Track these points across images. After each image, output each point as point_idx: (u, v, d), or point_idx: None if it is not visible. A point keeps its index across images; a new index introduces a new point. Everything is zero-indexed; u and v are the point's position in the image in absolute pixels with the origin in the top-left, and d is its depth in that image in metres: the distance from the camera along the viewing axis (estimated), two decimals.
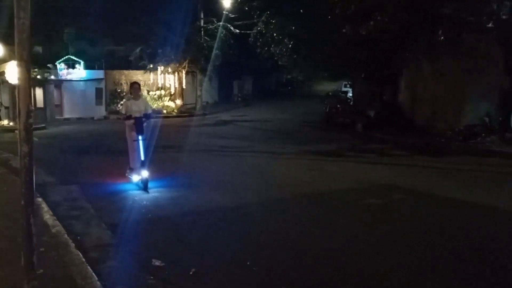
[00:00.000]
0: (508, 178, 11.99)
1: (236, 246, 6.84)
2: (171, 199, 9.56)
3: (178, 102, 35.80)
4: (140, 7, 31.56)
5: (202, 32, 35.38)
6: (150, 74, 35.82)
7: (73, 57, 34.15)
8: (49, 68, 32.41)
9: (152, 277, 5.62)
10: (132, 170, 10.66)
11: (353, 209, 8.93)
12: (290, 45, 24.91)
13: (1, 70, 28.30)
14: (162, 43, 32.78)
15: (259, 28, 27.47)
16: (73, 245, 6.39)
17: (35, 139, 4.08)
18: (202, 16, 35.42)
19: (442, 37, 17.30)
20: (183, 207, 8.95)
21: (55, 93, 33.60)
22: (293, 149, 16.75)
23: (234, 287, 5.51)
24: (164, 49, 33.04)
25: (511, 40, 16.65)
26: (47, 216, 7.73)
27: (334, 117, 25.93)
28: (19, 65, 3.44)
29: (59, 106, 33.87)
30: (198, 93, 37.36)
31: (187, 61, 34.94)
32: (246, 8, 27.37)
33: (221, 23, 34.60)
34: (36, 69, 29.64)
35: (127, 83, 35.87)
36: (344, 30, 18.65)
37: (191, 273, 5.74)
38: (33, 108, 3.69)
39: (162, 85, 36.79)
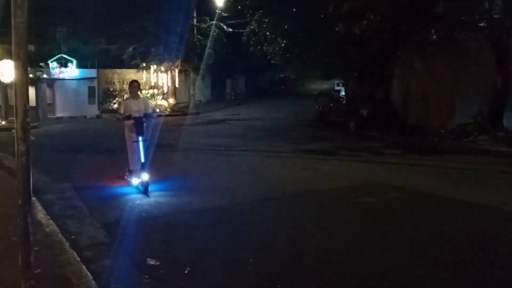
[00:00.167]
0: (500, 177, 12.03)
1: (231, 245, 6.84)
2: (165, 198, 9.53)
3: (171, 101, 35.74)
4: (133, 6, 31.38)
5: (195, 31, 35.36)
6: (143, 73, 35.76)
7: (66, 56, 34.00)
8: (41, 67, 32.22)
9: (147, 276, 5.61)
10: (131, 172, 10.34)
11: (348, 207, 8.95)
12: (283, 44, 24.91)
13: None
14: (155, 42, 32.72)
15: (252, 27, 27.48)
16: (67, 244, 6.36)
17: (32, 138, 4.07)
18: (195, 15, 35.38)
19: (435, 36, 17.36)
20: (178, 206, 8.94)
21: (48, 92, 33.40)
22: (287, 148, 16.77)
23: (230, 285, 5.50)
24: (157, 48, 32.99)
25: (503, 39, 16.73)
26: (41, 215, 7.71)
27: (327, 116, 25.97)
28: (16, 64, 3.43)
29: (52, 105, 33.68)
30: (191, 92, 37.37)
31: (180, 60, 34.88)
32: (239, 7, 27.41)
33: (214, 22, 34.61)
34: (28, 68, 29.43)
35: (119, 82, 35.90)
36: (337, 29, 18.65)
37: (186, 272, 5.73)
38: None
39: (155, 84, 36.76)
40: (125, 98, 10.33)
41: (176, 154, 15.33)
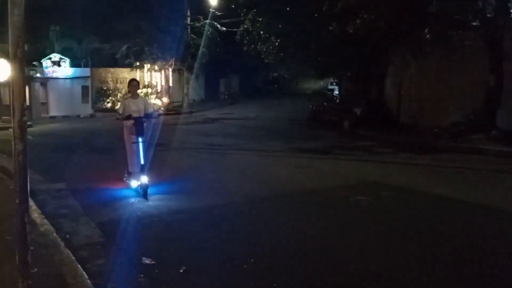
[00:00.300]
0: (494, 176, 12.08)
1: (226, 244, 6.84)
2: (161, 197, 9.49)
3: (165, 100, 35.73)
4: (127, 5, 31.36)
5: (189, 30, 35.32)
6: (136, 72, 35.70)
7: (59, 55, 33.93)
8: (34, 66, 32.11)
9: (142, 275, 5.61)
10: (130, 174, 9.99)
11: (343, 206, 8.96)
12: (276, 43, 24.93)
13: None
14: (149, 40, 32.72)
15: (245, 26, 27.46)
16: (62, 243, 6.35)
17: (29, 137, 4.07)
18: (188, 14, 35.33)
19: (429, 35, 17.39)
20: (173, 205, 8.92)
21: (41, 91, 33.32)
22: (281, 147, 16.78)
23: (225, 284, 5.51)
24: (151, 46, 32.98)
25: (496, 38, 16.78)
26: (35, 214, 7.68)
27: (320, 115, 25.99)
28: (13, 63, 3.43)
29: (45, 104, 33.57)
30: (185, 91, 37.33)
31: (173, 59, 34.86)
32: (233, 6, 27.38)
33: (207, 21, 34.59)
34: None
35: (113, 81, 35.84)
36: (331, 28, 18.66)
37: (181, 271, 5.74)
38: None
39: (149, 83, 36.72)
40: (124, 97, 10.04)
41: (171, 154, 15.31)
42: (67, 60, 34.03)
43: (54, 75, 33.67)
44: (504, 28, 16.58)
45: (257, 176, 11.78)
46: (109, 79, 36.16)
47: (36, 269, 4.66)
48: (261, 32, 25.41)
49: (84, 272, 5.35)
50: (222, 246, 6.76)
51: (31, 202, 8.34)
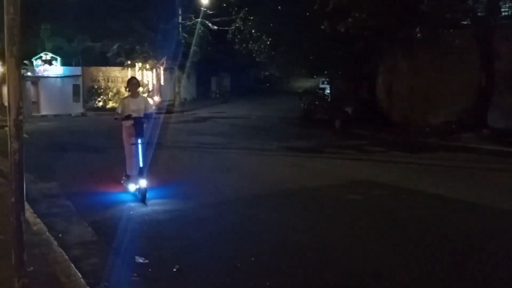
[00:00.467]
0: (485, 174, 12.13)
1: (220, 243, 6.84)
2: (153, 195, 9.41)
3: (156, 98, 35.70)
4: (118, 3, 31.27)
5: (180, 28, 35.26)
6: (128, 70, 35.60)
7: (50, 54, 33.82)
8: (25, 64, 31.95)
9: (135, 274, 5.61)
10: (128, 177, 9.58)
11: (335, 205, 8.98)
12: (268, 42, 24.93)
13: None
14: (140, 39, 32.65)
15: (237, 25, 27.44)
16: (55, 242, 6.35)
17: (25, 136, 4.06)
18: (180, 12, 35.27)
19: (419, 34, 17.45)
20: (166, 205, 8.90)
21: (32, 89, 33.23)
22: (272, 146, 16.80)
23: (218, 283, 5.51)
24: (142, 45, 32.93)
25: (487, 37, 16.87)
26: (28, 213, 7.64)
27: (312, 114, 26.03)
28: (9, 61, 3.42)
29: (36, 103, 33.49)
30: (176, 89, 37.30)
31: (165, 58, 34.82)
32: (224, 5, 27.39)
33: (199, 19, 34.53)
34: None
35: (104, 80, 35.75)
36: (322, 27, 18.70)
37: (174, 269, 5.74)
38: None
39: (140, 82, 36.59)
40: (125, 96, 9.75)
41: (163, 152, 15.26)
42: (58, 59, 33.95)
43: (45, 73, 33.59)
44: (495, 27, 16.67)
45: (250, 175, 11.79)
46: (100, 78, 36.06)
47: (32, 268, 4.66)
48: (253, 31, 25.42)
49: (77, 271, 5.35)
50: (215, 244, 6.76)
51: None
